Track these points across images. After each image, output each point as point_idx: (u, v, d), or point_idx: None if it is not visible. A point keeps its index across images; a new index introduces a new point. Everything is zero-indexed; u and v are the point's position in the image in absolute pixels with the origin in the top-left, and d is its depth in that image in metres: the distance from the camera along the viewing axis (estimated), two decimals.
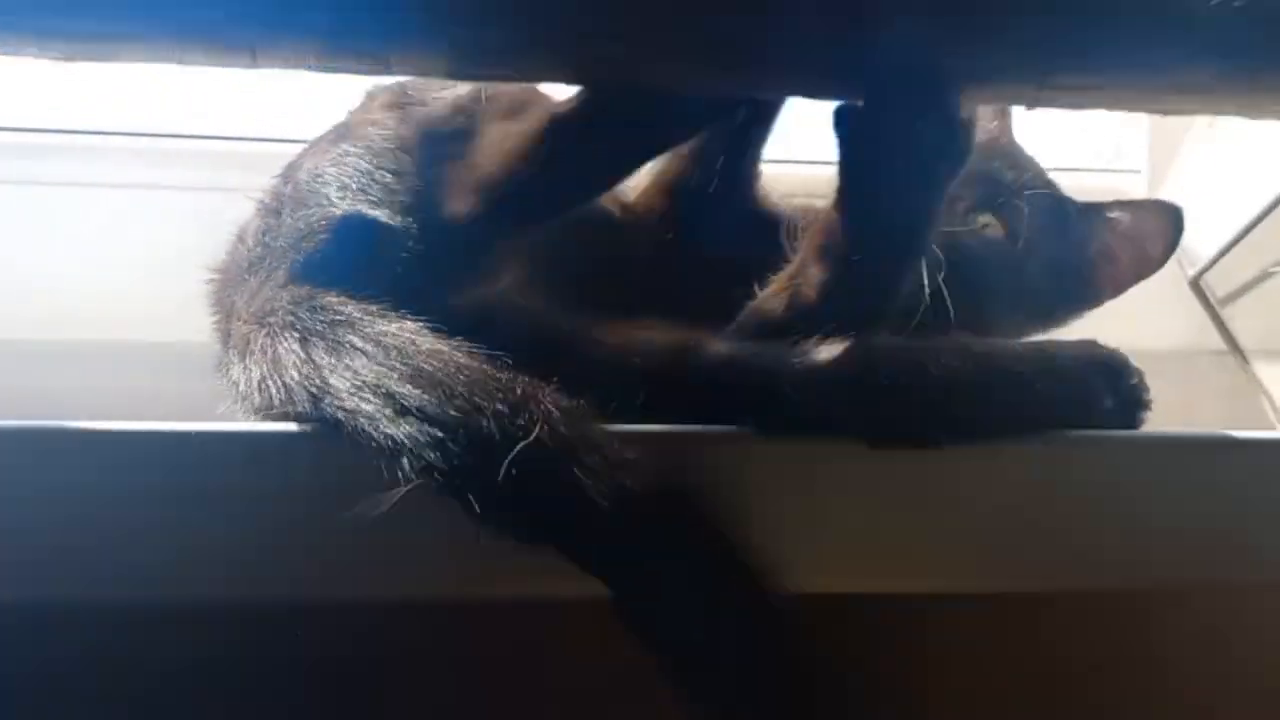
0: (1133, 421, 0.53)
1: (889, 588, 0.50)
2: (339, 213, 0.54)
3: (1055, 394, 0.51)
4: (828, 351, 0.48)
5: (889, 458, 0.49)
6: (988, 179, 0.67)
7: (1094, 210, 0.72)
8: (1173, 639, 0.57)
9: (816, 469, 0.49)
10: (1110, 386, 0.52)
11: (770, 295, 0.56)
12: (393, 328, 0.47)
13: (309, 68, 0.48)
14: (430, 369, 0.44)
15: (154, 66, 0.47)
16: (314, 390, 0.46)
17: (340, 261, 0.53)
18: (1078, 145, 1.00)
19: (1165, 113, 0.56)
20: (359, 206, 0.54)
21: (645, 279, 0.62)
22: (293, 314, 0.49)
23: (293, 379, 0.47)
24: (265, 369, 0.48)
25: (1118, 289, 0.72)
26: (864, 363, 0.48)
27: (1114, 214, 0.72)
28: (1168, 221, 0.71)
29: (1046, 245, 0.68)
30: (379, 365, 0.45)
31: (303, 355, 0.47)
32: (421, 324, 0.47)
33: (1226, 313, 0.86)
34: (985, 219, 0.66)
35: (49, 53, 0.47)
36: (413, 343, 0.46)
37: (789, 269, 0.56)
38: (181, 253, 0.62)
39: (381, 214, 0.54)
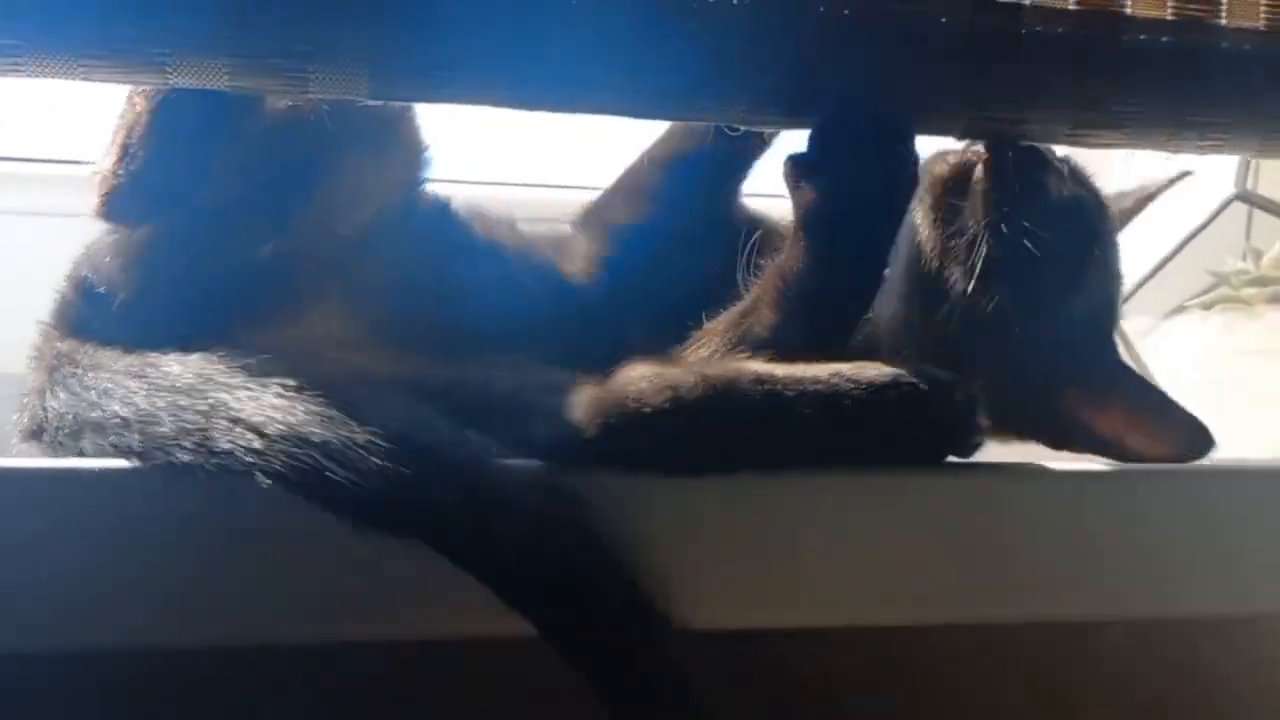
0: (956, 450, 0.48)
1: (783, 622, 0.49)
2: None
3: (853, 423, 0.46)
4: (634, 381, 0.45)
5: (783, 491, 0.47)
6: None
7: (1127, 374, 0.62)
8: (1077, 672, 0.57)
9: (706, 503, 0.46)
10: (919, 415, 0.46)
11: (720, 332, 0.54)
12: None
13: (223, 86, 0.45)
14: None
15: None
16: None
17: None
18: None
19: (1089, 146, 0.57)
20: None
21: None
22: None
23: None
24: None
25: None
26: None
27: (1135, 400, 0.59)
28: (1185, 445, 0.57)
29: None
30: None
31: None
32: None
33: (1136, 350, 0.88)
34: None
35: None
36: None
37: (740, 307, 0.55)
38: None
39: None
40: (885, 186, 0.51)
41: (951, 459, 0.49)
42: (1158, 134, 0.56)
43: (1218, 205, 0.72)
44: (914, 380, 0.46)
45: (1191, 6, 0.55)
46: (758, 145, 0.66)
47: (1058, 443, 0.59)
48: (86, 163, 0.57)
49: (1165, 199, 0.73)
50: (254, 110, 0.52)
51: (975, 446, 0.49)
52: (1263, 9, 0.57)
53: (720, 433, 0.45)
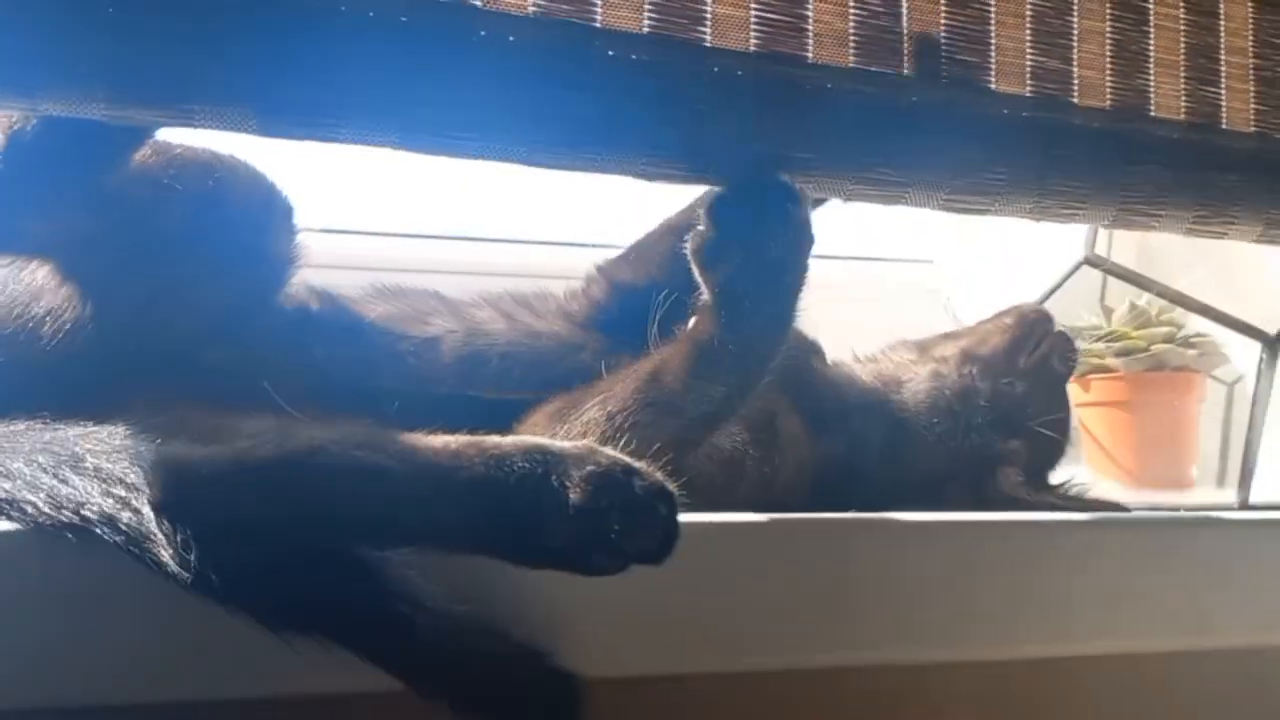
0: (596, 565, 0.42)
1: (676, 669, 0.49)
2: None
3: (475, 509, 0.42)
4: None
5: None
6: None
7: None
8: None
9: None
10: (567, 508, 0.41)
11: (617, 385, 0.55)
12: None
13: (98, 116, 0.43)
14: None
15: None
16: None
17: None
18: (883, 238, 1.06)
19: (960, 212, 0.61)
20: None
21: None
22: None
23: None
24: None
25: None
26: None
27: None
28: None
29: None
30: None
31: None
32: None
33: None
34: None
35: None
36: None
37: (644, 361, 0.56)
38: None
39: None
40: (793, 249, 0.54)
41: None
42: (1023, 202, 0.60)
43: (1068, 269, 0.78)
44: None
45: (1048, 86, 0.60)
46: None
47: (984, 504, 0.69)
48: None
49: (1027, 263, 0.78)
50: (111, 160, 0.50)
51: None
52: (1108, 90, 0.62)
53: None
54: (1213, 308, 0.71)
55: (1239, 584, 0.65)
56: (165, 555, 0.40)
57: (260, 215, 0.58)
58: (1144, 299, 0.82)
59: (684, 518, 0.42)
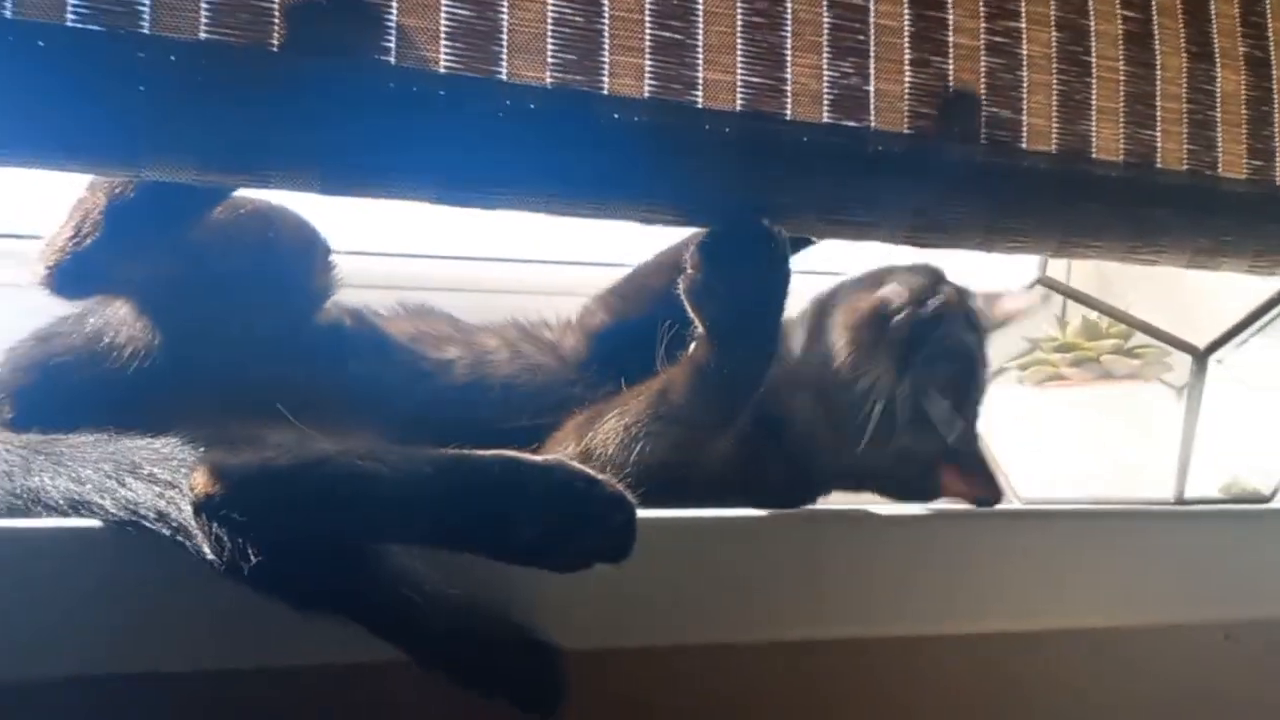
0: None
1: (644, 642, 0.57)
2: None
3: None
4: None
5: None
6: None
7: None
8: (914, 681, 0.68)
9: None
10: (534, 513, 0.48)
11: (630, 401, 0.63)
12: None
13: (189, 180, 0.51)
14: None
15: None
16: None
17: None
18: None
19: (920, 246, 0.69)
20: None
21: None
22: None
23: None
24: None
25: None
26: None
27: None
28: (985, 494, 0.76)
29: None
30: None
31: None
32: None
33: None
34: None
35: None
36: None
37: (653, 380, 0.64)
38: None
39: None
40: (773, 287, 0.62)
41: None
42: (974, 237, 0.69)
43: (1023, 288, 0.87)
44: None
45: (1000, 133, 0.68)
46: None
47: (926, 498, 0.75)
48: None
49: (990, 281, 0.87)
50: (196, 217, 0.59)
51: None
52: (1054, 136, 0.70)
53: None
54: (1149, 324, 0.80)
55: (1173, 567, 0.73)
56: (205, 546, 0.47)
57: (304, 256, 0.68)
58: (1094, 315, 0.91)
59: (654, 513, 0.51)
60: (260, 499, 0.48)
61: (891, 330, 0.71)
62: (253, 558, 0.47)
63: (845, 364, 0.71)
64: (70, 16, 0.48)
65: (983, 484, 0.75)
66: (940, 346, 0.71)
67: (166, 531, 0.49)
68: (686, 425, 0.62)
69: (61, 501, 0.52)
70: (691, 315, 0.62)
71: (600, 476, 0.49)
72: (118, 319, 0.62)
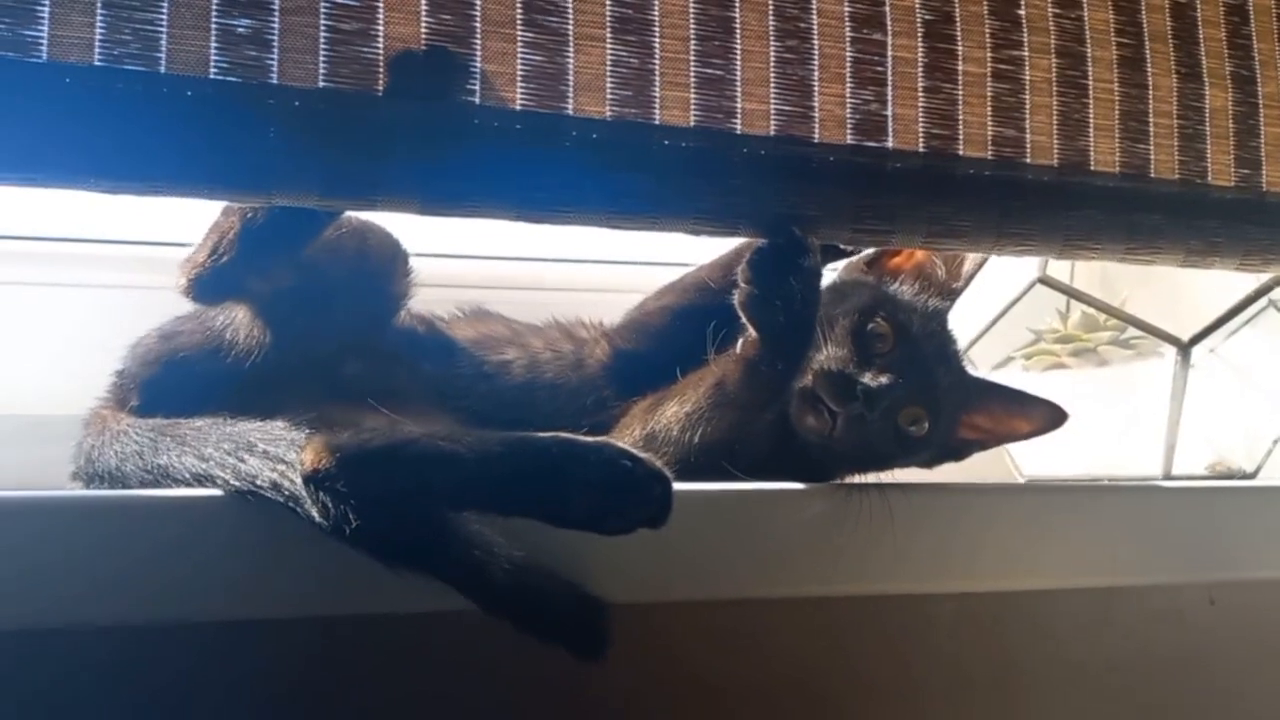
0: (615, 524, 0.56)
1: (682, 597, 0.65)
2: None
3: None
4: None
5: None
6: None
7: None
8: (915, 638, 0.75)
9: None
10: (586, 485, 0.55)
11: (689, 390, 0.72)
12: None
13: (312, 206, 0.61)
14: None
15: None
16: None
17: None
18: None
19: (937, 250, 0.77)
20: None
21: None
22: None
23: None
24: None
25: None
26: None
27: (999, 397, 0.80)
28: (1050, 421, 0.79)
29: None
30: None
31: None
32: None
33: None
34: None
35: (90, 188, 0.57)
36: None
37: (707, 373, 0.72)
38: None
39: None
40: (809, 292, 0.70)
41: None
42: (985, 242, 0.77)
43: (1024, 287, 0.95)
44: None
45: (1006, 150, 0.76)
46: None
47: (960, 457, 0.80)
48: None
49: (996, 278, 0.95)
50: (313, 237, 0.69)
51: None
52: (1055, 151, 0.78)
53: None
54: (1138, 318, 0.88)
55: (1161, 536, 0.81)
56: (313, 512, 0.56)
57: (390, 266, 0.77)
58: (1092, 309, 0.99)
59: (689, 486, 0.58)
60: (360, 473, 0.55)
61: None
62: (353, 521, 0.54)
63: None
64: (213, 70, 0.57)
65: (1030, 409, 0.78)
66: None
67: (280, 499, 0.57)
68: (740, 408, 0.71)
69: (188, 476, 0.61)
70: (744, 321, 0.71)
71: (642, 454, 0.56)
72: (236, 321, 0.72)
